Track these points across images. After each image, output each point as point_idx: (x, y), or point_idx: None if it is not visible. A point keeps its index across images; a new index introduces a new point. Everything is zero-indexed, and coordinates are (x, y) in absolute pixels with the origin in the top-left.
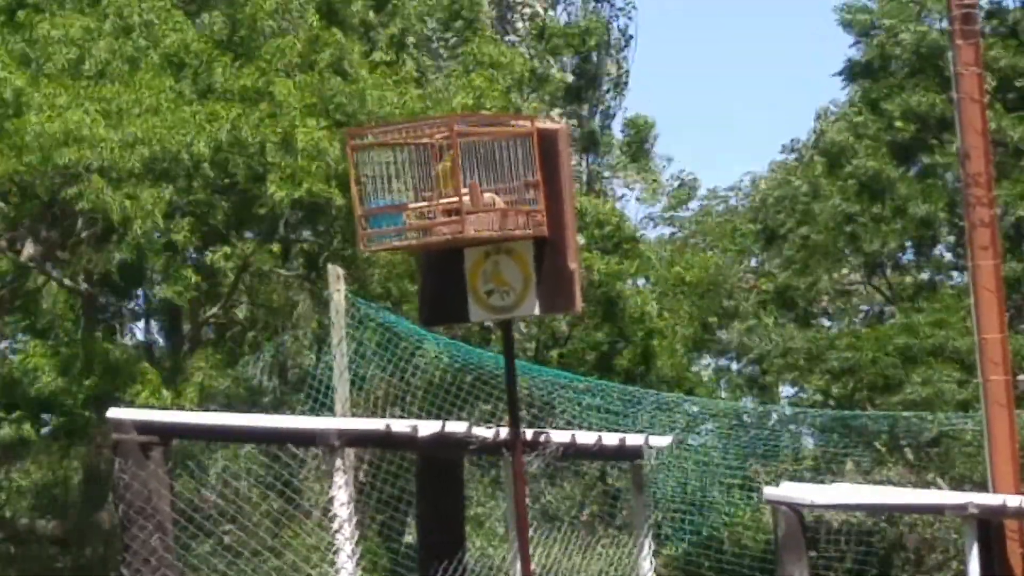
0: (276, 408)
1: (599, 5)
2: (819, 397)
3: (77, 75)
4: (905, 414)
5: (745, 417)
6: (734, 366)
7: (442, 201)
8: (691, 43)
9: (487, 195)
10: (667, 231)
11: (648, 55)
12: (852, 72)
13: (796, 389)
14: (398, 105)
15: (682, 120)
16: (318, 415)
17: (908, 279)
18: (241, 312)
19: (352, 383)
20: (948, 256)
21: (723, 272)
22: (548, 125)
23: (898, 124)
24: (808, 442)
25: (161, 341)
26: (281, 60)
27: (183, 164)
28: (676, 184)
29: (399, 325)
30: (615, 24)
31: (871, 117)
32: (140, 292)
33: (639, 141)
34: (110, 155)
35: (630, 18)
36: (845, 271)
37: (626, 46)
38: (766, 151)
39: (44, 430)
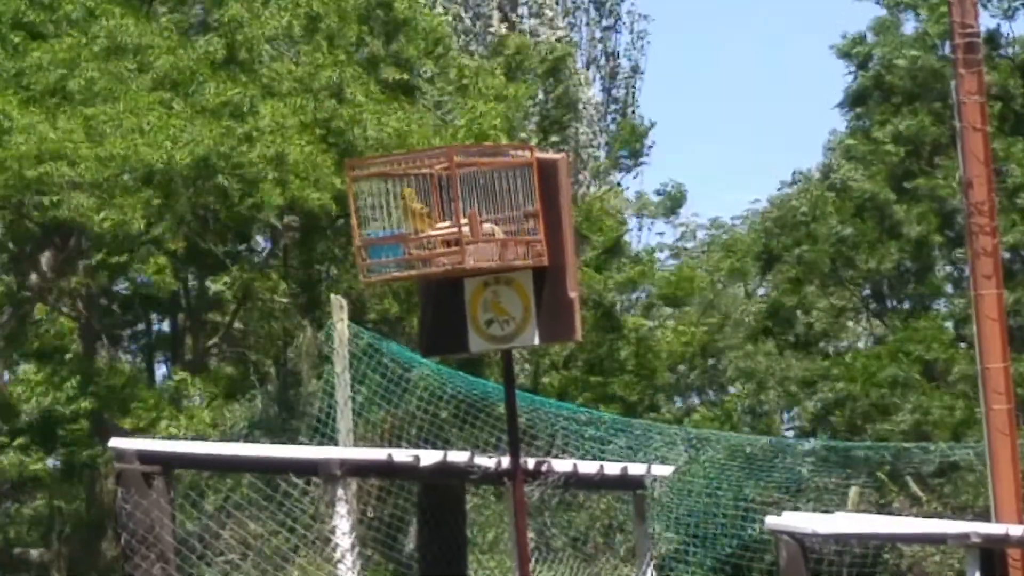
0: (279, 439)
1: (608, 35)
2: (815, 425)
3: (63, 96)
4: (907, 445)
5: (748, 448)
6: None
7: (441, 231)
8: (696, 72)
9: (486, 225)
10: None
11: (654, 83)
12: (851, 101)
13: (793, 416)
14: (398, 131)
15: (688, 150)
16: (322, 445)
17: (903, 303)
18: (243, 340)
19: (357, 413)
20: (943, 276)
21: (719, 295)
22: (547, 155)
23: (888, 148)
24: (809, 472)
25: (162, 368)
26: (278, 82)
27: (161, 173)
28: (664, 193)
29: (402, 355)
30: (625, 55)
31: (863, 142)
32: (140, 316)
33: (632, 142)
34: (88, 171)
35: (643, 52)
36: (838, 298)
37: (632, 76)
38: (772, 182)
39: (48, 460)
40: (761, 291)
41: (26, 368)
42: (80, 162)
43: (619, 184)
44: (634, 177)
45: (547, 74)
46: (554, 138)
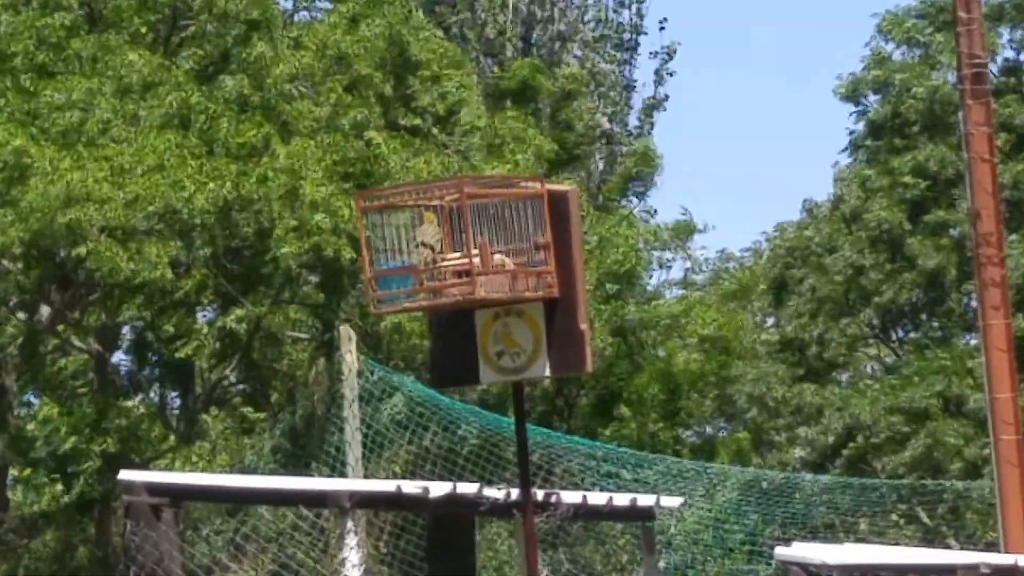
0: (292, 472)
1: (623, 68)
2: (828, 454)
3: (79, 136)
4: (923, 482)
5: (764, 484)
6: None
7: (452, 260)
8: (711, 106)
9: (497, 256)
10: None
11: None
12: (868, 129)
13: (807, 449)
14: (423, 171)
15: (702, 182)
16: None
17: (918, 334)
18: (254, 374)
19: (370, 449)
20: (958, 310)
21: (740, 328)
22: (558, 186)
23: (907, 180)
24: (821, 507)
25: (174, 401)
26: (303, 123)
27: (185, 220)
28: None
29: (415, 389)
30: (650, 86)
31: (881, 172)
32: (152, 355)
33: (643, 167)
34: (114, 214)
35: (662, 84)
36: (854, 328)
37: (656, 109)
38: (784, 214)
39: (63, 497)
40: (770, 320)
41: (40, 404)
42: (105, 203)
43: (624, 209)
44: (638, 203)
45: (560, 102)
46: (566, 175)
